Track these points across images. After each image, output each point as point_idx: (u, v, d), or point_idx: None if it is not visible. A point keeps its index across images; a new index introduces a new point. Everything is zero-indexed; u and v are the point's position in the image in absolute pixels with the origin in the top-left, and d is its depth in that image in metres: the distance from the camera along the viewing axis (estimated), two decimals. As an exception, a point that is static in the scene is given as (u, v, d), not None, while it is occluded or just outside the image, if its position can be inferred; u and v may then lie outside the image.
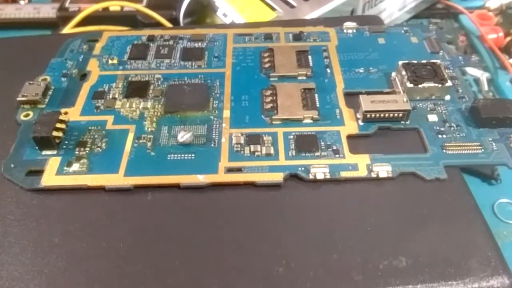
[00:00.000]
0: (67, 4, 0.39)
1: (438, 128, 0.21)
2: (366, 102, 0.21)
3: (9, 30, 0.39)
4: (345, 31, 0.27)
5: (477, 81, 0.31)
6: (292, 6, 0.32)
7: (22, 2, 0.41)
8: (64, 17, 0.38)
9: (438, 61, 0.23)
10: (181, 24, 0.35)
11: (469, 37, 0.36)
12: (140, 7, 0.37)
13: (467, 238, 0.17)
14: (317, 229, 0.18)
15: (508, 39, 0.34)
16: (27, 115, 0.22)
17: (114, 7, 0.37)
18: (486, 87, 0.30)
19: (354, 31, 0.27)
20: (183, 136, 0.20)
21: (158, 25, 0.37)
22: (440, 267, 0.16)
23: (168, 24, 0.36)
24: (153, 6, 0.38)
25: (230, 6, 0.33)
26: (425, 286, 0.16)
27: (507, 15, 0.37)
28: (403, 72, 0.22)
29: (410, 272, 0.16)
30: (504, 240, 0.21)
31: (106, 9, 0.37)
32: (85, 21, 0.36)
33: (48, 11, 0.40)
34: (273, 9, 0.32)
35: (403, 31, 0.27)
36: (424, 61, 0.23)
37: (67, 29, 0.35)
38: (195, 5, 0.35)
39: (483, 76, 0.31)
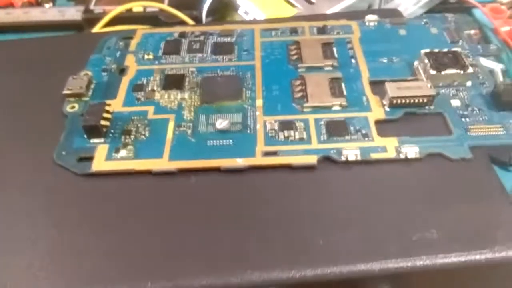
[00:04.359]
0: (91, 6, 0.41)
1: (461, 112, 0.22)
2: (392, 89, 0.22)
3: (35, 32, 0.41)
4: (367, 23, 0.28)
5: (491, 72, 0.32)
6: (311, 3, 0.33)
7: (46, 6, 0.43)
8: (89, 18, 0.40)
9: (459, 49, 0.24)
10: (204, 22, 0.37)
11: (482, 31, 0.37)
12: (164, 6, 0.39)
13: (493, 212, 0.18)
14: (351, 207, 0.19)
15: (521, 31, 0.35)
16: (73, 107, 0.23)
17: (137, 8, 0.39)
18: (501, 78, 0.31)
19: (376, 23, 0.28)
20: (221, 123, 0.22)
21: (180, 24, 0.38)
22: (469, 238, 0.18)
23: (192, 23, 0.38)
24: (174, 6, 0.39)
25: (252, 3, 0.34)
26: (456, 255, 0.17)
27: (520, 8, 0.37)
28: (426, 60, 0.23)
29: (442, 243, 0.18)
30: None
31: (129, 10, 0.39)
32: (109, 22, 0.37)
33: (73, 14, 0.41)
34: (293, 6, 0.33)
35: (423, 23, 0.28)
36: (445, 50, 0.24)
37: (96, 30, 0.36)
38: (216, 4, 0.37)
39: (498, 67, 0.32)
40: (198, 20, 0.38)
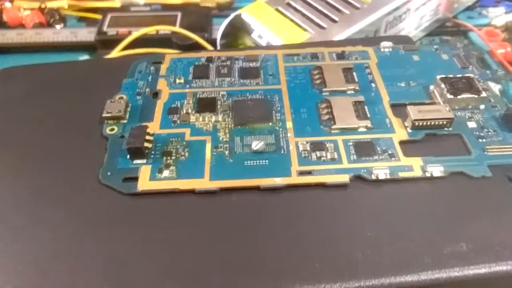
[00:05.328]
0: (105, 28, 0.42)
1: (477, 133, 0.24)
2: (414, 112, 0.24)
3: (47, 53, 0.42)
4: (382, 49, 0.30)
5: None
6: (322, 27, 0.35)
7: (58, 27, 0.44)
8: (103, 40, 0.41)
9: (472, 75, 0.26)
10: (218, 45, 0.38)
11: (479, 53, 0.39)
12: (178, 29, 0.40)
13: (516, 225, 0.20)
14: (384, 222, 0.21)
15: (516, 53, 0.37)
16: (113, 129, 0.24)
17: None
18: (498, 98, 0.34)
19: (390, 49, 0.30)
20: (257, 144, 0.23)
21: (192, 46, 0.40)
22: (496, 250, 0.19)
23: (207, 45, 0.39)
24: (185, 29, 0.41)
25: (266, 28, 0.36)
26: (486, 266, 0.19)
27: (513, 31, 0.41)
28: (442, 85, 0.25)
29: (471, 255, 0.19)
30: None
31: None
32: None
33: (85, 35, 0.43)
34: (305, 30, 0.35)
35: (433, 49, 0.30)
36: (459, 75, 0.26)
37: (115, 53, 0.38)
38: (229, 28, 0.38)
39: (496, 88, 0.34)
40: (209, 43, 0.40)
